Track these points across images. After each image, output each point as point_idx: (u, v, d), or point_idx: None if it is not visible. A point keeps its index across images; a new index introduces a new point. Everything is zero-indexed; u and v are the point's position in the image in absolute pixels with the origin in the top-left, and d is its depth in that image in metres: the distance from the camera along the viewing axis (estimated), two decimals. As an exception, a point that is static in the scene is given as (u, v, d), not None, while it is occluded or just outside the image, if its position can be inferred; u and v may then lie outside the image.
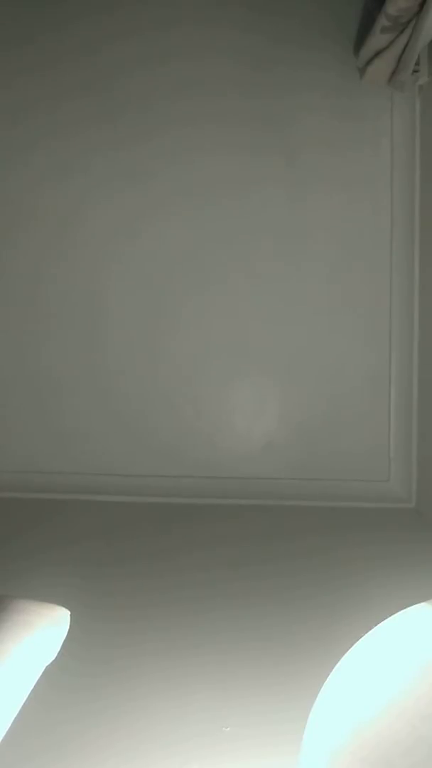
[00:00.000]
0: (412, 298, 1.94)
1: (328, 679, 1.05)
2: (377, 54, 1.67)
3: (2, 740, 0.89)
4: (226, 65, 1.92)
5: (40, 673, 1.01)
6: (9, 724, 0.91)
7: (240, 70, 1.92)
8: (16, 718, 0.93)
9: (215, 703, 1.07)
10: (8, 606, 1.04)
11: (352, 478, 1.99)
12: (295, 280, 1.98)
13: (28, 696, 0.97)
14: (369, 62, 1.71)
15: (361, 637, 1.15)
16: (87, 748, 0.97)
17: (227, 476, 2.01)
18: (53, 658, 1.04)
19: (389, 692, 1.02)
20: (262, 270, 1.98)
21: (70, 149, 1.96)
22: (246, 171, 1.94)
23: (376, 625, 1.18)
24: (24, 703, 0.95)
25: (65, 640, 1.06)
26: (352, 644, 1.13)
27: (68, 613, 1.09)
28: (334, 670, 1.07)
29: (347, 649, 1.12)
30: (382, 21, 1.54)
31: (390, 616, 1.21)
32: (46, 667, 1.02)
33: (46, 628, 1.04)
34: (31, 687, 0.98)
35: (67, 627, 1.08)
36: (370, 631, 1.16)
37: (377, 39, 1.61)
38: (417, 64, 1.71)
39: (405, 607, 1.23)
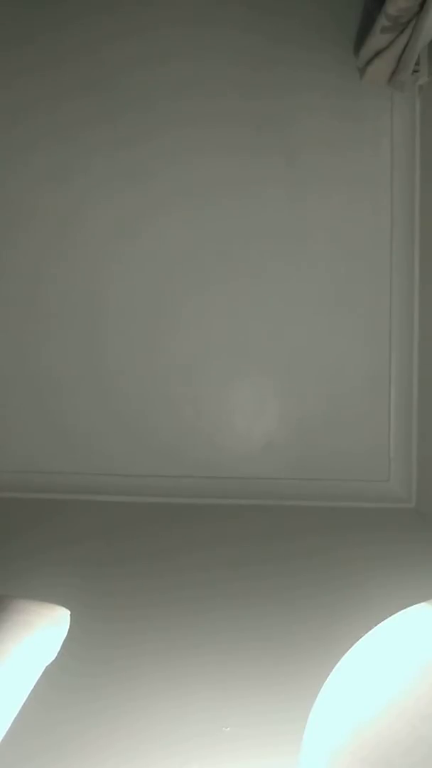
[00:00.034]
0: (412, 298, 1.94)
1: (328, 679, 1.05)
2: (377, 54, 1.67)
3: (2, 740, 0.89)
4: (226, 65, 1.92)
5: (40, 673, 1.01)
6: (9, 724, 0.91)
7: (240, 71, 1.92)
8: (16, 718, 0.93)
9: (215, 703, 1.07)
10: (8, 606, 1.05)
11: (352, 478, 1.99)
12: (295, 280, 1.98)
13: (28, 696, 0.97)
14: (369, 62, 1.71)
15: (361, 637, 1.15)
16: (87, 748, 0.97)
17: (227, 476, 2.01)
18: (53, 658, 1.04)
19: (389, 692, 1.02)
20: (262, 270, 1.98)
21: (70, 149, 1.96)
22: (246, 171, 1.94)
23: (376, 625, 1.18)
24: (24, 703, 0.95)
25: (65, 640, 1.06)
26: (352, 644, 1.13)
27: (68, 613, 1.09)
28: (334, 670, 1.07)
29: (347, 649, 1.12)
30: (382, 21, 1.54)
31: (390, 616, 1.21)
32: (46, 667, 1.02)
33: (46, 628, 1.04)
34: (31, 687, 0.98)
35: (67, 627, 1.08)
36: (370, 631, 1.17)
37: (377, 39, 1.61)
38: (417, 64, 1.71)
39: (405, 607, 1.23)
